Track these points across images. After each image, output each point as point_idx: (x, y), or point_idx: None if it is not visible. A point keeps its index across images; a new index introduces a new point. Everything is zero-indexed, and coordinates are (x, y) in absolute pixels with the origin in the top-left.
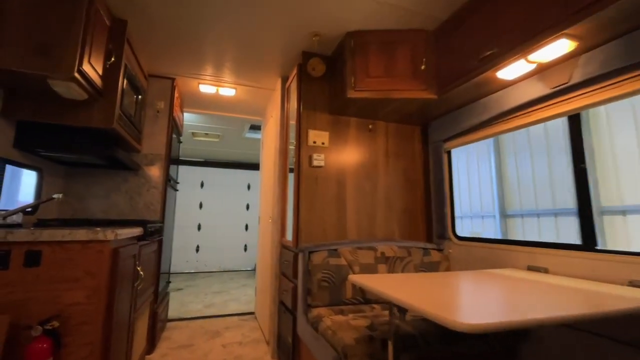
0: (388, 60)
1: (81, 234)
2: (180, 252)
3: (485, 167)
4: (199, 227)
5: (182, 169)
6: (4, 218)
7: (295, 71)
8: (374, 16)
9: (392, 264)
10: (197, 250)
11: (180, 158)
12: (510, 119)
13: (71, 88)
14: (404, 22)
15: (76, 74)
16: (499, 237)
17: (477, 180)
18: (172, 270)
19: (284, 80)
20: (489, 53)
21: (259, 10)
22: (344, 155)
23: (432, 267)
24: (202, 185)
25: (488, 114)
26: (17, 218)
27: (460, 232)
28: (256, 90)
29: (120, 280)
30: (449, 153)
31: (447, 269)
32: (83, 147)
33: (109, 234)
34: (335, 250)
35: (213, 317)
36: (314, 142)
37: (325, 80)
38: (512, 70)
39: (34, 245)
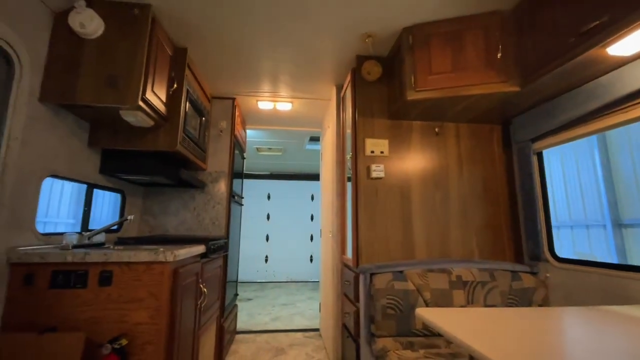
0: (455, 53)
1: (144, 255)
2: (251, 262)
3: (587, 166)
4: (267, 238)
5: (250, 182)
6: (89, 238)
7: (349, 77)
8: (436, 6)
9: (471, 291)
10: (266, 260)
11: (246, 172)
12: (628, 107)
13: (138, 116)
14: (472, 6)
15: (140, 103)
16: (612, 251)
17: (577, 182)
18: (243, 279)
19: (339, 88)
20: (595, 24)
21: (309, 19)
22: (407, 163)
23: (524, 295)
24: (268, 197)
25: (594, 102)
26: (101, 237)
27: (558, 246)
28: (312, 102)
29: (182, 299)
30: (539, 155)
31: (545, 299)
32: (153, 169)
33: (169, 256)
34: (401, 272)
35: (279, 331)
36: (372, 152)
37: (382, 84)
38: (631, 43)
39: (106, 265)
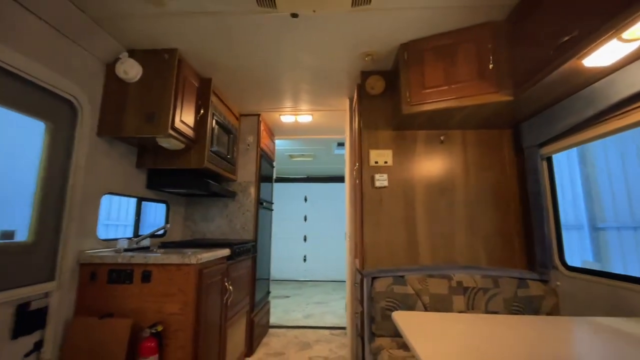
0: (447, 66)
1: (174, 258)
2: (289, 262)
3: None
4: (305, 239)
5: (286, 185)
6: (137, 243)
7: (356, 92)
8: (430, 23)
9: (472, 297)
10: (305, 260)
11: (283, 176)
12: (624, 113)
13: (171, 142)
14: (467, 19)
15: (170, 132)
16: None
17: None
18: (282, 277)
19: (351, 100)
20: (566, 39)
21: (316, 45)
22: (411, 172)
23: (530, 303)
24: (305, 199)
25: (592, 108)
26: (146, 242)
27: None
28: (330, 113)
29: (207, 295)
30: (549, 159)
31: (555, 308)
32: (187, 184)
33: (193, 259)
34: (402, 277)
35: (309, 327)
36: (376, 162)
37: (386, 96)
38: (604, 56)
39: (147, 266)
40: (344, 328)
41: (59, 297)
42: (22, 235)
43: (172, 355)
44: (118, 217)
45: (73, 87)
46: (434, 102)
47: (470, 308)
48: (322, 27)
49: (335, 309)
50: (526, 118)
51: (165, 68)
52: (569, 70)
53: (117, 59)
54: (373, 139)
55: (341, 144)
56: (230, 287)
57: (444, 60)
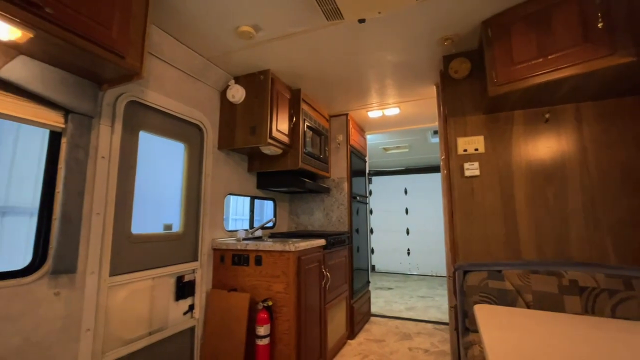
0: (540, 35)
1: (277, 246)
2: (393, 254)
3: None
4: (408, 232)
5: (386, 178)
6: (252, 233)
7: (439, 78)
8: None
9: (592, 299)
10: (408, 253)
11: (381, 170)
12: None
13: (271, 149)
14: None
15: (269, 140)
16: None
17: None
18: (386, 270)
19: (437, 87)
20: None
21: (396, 38)
22: (508, 158)
23: None
24: (405, 192)
25: None
26: (259, 232)
27: None
28: (419, 102)
29: (305, 278)
30: None
31: None
32: (287, 182)
33: (292, 247)
34: (499, 271)
35: (410, 319)
36: (465, 151)
37: (473, 78)
38: None
39: (258, 252)
40: (448, 324)
41: (201, 273)
42: (176, 227)
43: (280, 327)
44: (243, 212)
45: (200, 114)
46: (526, 79)
47: (589, 311)
48: (392, 23)
49: (440, 303)
50: None
51: (261, 87)
52: None
53: (227, 86)
54: (460, 126)
55: (437, 132)
56: (328, 274)
57: (536, 29)
